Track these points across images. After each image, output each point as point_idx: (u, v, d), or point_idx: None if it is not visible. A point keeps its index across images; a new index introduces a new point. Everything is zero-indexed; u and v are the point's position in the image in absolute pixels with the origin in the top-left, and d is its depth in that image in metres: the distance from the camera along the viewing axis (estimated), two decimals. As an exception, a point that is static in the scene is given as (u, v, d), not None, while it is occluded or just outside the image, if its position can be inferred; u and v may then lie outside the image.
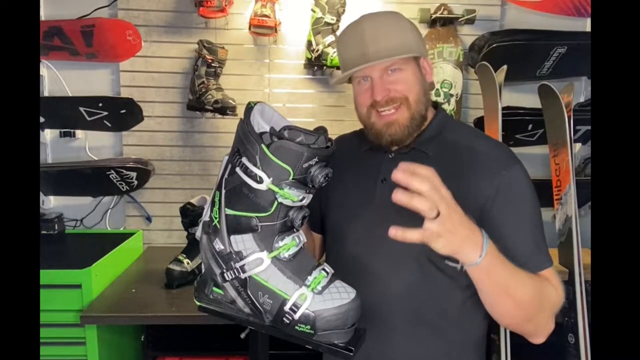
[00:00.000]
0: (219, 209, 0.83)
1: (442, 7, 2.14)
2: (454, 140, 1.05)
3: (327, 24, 2.03)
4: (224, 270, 0.83)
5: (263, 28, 2.04)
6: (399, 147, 1.06)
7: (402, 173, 0.75)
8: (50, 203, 2.23)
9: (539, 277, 0.96)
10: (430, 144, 1.04)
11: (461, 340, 1.05)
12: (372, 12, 1.05)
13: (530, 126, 2.14)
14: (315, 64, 2.10)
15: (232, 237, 0.82)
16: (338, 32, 2.06)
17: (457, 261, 0.84)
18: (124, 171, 2.08)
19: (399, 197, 0.75)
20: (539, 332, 0.99)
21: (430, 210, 0.75)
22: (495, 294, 0.91)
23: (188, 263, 1.74)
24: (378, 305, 1.00)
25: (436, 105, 1.10)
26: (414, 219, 0.85)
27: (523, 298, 0.91)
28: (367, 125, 1.04)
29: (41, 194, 2.18)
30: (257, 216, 0.80)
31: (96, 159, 2.21)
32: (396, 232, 0.77)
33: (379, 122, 1.01)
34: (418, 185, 0.75)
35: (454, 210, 0.79)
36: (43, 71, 2.15)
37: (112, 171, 2.08)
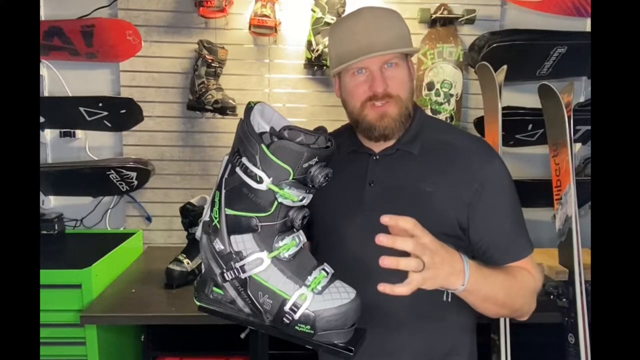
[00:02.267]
0: (219, 209, 0.83)
1: (442, 7, 2.14)
2: (435, 138, 1.07)
3: (327, 24, 2.03)
4: (224, 270, 0.83)
5: (263, 28, 2.04)
6: (384, 149, 1.07)
7: (386, 238, 0.78)
8: (50, 203, 2.23)
9: (518, 271, 1.01)
10: (414, 143, 1.06)
11: (459, 327, 1.08)
12: (368, 6, 1.06)
13: (530, 126, 2.14)
14: (315, 64, 2.10)
15: (232, 237, 0.82)
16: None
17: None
18: (124, 171, 2.08)
19: (387, 263, 0.78)
20: (524, 315, 1.05)
21: (417, 267, 0.80)
22: (480, 304, 0.97)
23: (188, 263, 1.74)
24: (379, 303, 1.00)
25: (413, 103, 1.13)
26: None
27: (506, 300, 0.98)
28: (359, 119, 1.04)
29: (41, 194, 2.18)
30: (257, 216, 0.80)
31: (96, 159, 2.21)
32: (384, 288, 0.80)
33: (372, 114, 1.01)
34: (401, 246, 0.79)
35: (436, 253, 0.82)
36: (43, 71, 2.15)
37: (112, 171, 2.08)
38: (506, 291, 0.97)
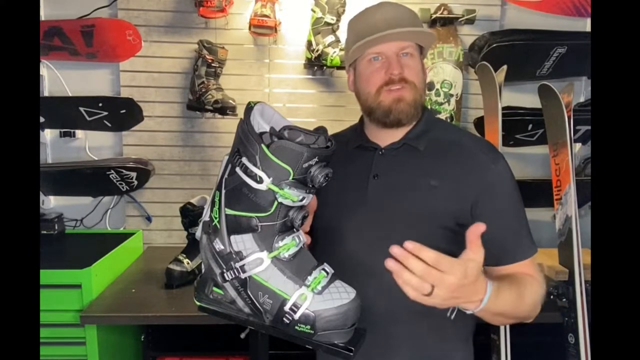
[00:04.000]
0: (219, 209, 0.83)
1: (442, 7, 2.14)
2: (441, 137, 1.09)
3: (327, 24, 2.03)
4: (224, 270, 0.83)
5: (263, 28, 2.04)
6: (390, 143, 1.08)
7: (400, 251, 0.75)
8: (50, 203, 2.23)
9: (527, 280, 1.00)
10: (420, 140, 1.07)
11: (456, 328, 1.08)
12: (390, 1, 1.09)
13: (530, 126, 2.14)
14: (315, 64, 2.10)
15: (232, 237, 0.82)
16: (338, 32, 2.06)
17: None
18: (124, 171, 2.08)
19: (390, 265, 0.76)
20: (530, 319, 1.05)
21: (418, 286, 0.76)
22: (491, 318, 0.97)
23: (188, 263, 1.74)
24: (378, 300, 1.01)
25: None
26: (406, 215, 0.90)
27: (516, 313, 0.98)
28: (374, 105, 1.06)
29: (41, 194, 2.18)
30: (257, 216, 0.80)
31: (96, 159, 2.21)
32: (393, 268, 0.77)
33: (388, 98, 1.03)
34: (411, 267, 0.76)
35: (454, 291, 0.78)
36: (43, 71, 2.15)
37: (112, 171, 2.08)
38: (517, 304, 0.97)
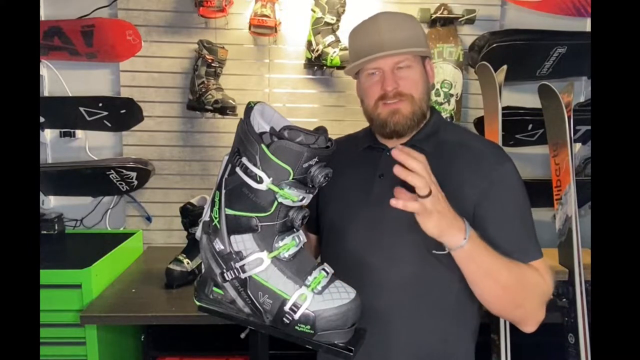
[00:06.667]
0: (219, 209, 0.83)
1: (442, 7, 2.14)
2: (449, 139, 1.09)
3: (327, 24, 2.04)
4: (224, 270, 0.83)
5: (263, 28, 2.04)
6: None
7: (400, 151, 0.85)
8: (50, 203, 2.23)
9: (526, 265, 1.00)
10: (427, 142, 1.08)
11: (457, 329, 1.07)
12: (387, 11, 1.11)
13: (530, 126, 2.14)
14: (315, 64, 2.11)
15: (232, 237, 0.82)
16: (338, 32, 2.06)
17: (443, 248, 0.93)
18: (124, 171, 2.08)
19: (398, 170, 0.84)
20: (529, 320, 1.03)
21: (424, 187, 0.84)
22: (481, 278, 0.96)
23: (188, 263, 1.74)
24: (378, 296, 1.02)
25: (431, 107, 1.15)
26: (409, 215, 0.92)
27: (508, 282, 0.96)
28: (373, 117, 1.08)
29: (41, 194, 2.18)
30: (257, 216, 0.80)
31: (96, 159, 2.21)
32: (397, 203, 0.85)
33: (384, 111, 1.05)
34: (412, 163, 0.85)
35: (442, 194, 0.89)
36: (43, 71, 2.16)
37: (112, 171, 2.08)
38: (509, 273, 0.95)
